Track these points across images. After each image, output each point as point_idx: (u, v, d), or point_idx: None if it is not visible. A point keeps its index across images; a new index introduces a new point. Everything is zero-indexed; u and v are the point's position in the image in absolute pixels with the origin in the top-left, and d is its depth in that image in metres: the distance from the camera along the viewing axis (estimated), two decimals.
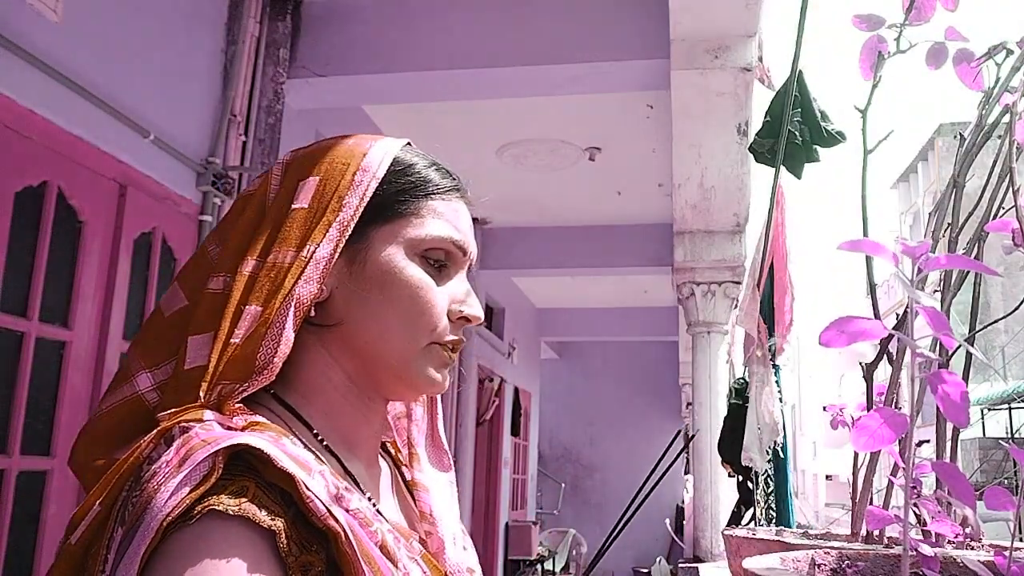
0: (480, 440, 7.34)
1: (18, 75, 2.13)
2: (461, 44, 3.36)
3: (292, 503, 0.58)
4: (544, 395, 11.02)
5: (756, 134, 2.87)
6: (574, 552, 10.18)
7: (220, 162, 2.98)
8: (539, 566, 8.58)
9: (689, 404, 6.74)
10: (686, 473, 9.53)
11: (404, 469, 0.83)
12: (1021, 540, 0.54)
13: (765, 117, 2.82)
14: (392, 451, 0.84)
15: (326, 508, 0.58)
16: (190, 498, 0.55)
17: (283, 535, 0.56)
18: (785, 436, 3.14)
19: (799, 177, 2.78)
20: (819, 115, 2.71)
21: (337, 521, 0.58)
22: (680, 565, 4.53)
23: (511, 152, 4.89)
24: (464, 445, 6.24)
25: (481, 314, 0.76)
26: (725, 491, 4.66)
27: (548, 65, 3.30)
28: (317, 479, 0.60)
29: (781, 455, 3.20)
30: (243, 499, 0.56)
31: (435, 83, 3.46)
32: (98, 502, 0.60)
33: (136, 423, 0.67)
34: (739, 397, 3.39)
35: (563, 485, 11.84)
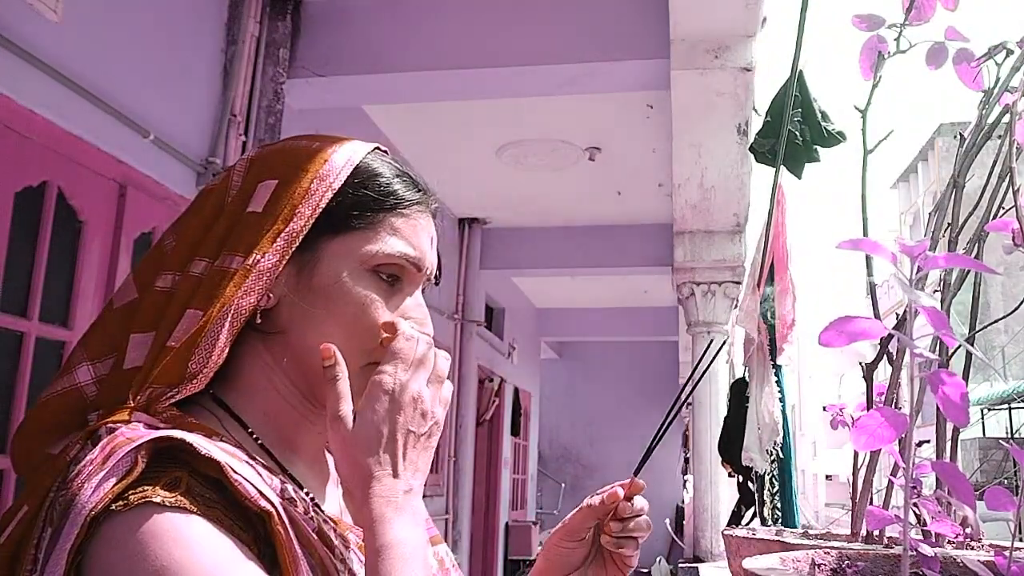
0: (480, 440, 7.34)
1: (18, 75, 2.13)
2: (461, 44, 3.36)
3: (225, 491, 0.58)
4: (544, 395, 11.01)
5: (756, 134, 2.88)
6: None
7: (220, 162, 2.97)
8: None
9: (689, 404, 6.73)
10: (685, 474, 9.53)
11: None
12: (1021, 540, 0.54)
13: (765, 117, 2.82)
14: None
15: (257, 490, 0.58)
16: (114, 490, 0.55)
17: (218, 524, 0.57)
18: (789, 436, 3.14)
19: (800, 177, 2.78)
20: (820, 115, 2.71)
21: (269, 501, 0.58)
22: (680, 565, 4.53)
23: (511, 152, 4.89)
24: (464, 445, 6.23)
25: (431, 332, 0.73)
26: (725, 491, 4.66)
27: (548, 65, 3.30)
28: (246, 468, 0.60)
29: (782, 455, 3.20)
30: (177, 491, 0.56)
31: (435, 83, 3.46)
32: (25, 503, 0.60)
33: (73, 417, 0.67)
34: (739, 397, 3.39)
35: (563, 485, 11.84)
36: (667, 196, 5.07)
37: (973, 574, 0.59)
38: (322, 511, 0.68)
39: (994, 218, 0.92)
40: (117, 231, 2.53)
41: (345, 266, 0.69)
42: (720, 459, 3.99)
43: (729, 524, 3.87)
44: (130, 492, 0.55)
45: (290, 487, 0.63)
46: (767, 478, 3.27)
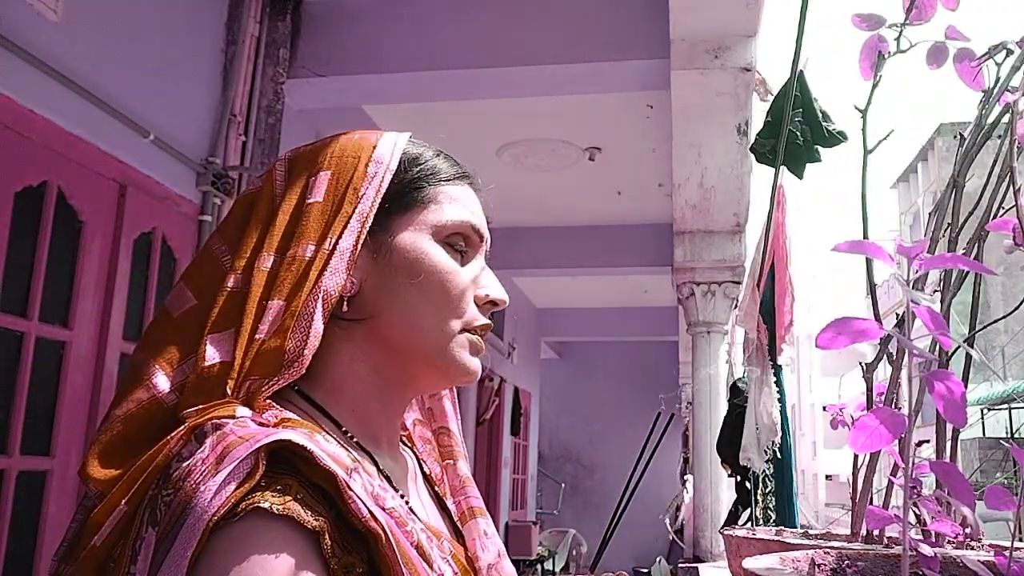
0: (480, 440, 7.34)
1: (18, 75, 2.13)
2: (461, 44, 3.36)
3: (332, 503, 0.57)
4: (544, 395, 11.02)
5: (757, 134, 2.88)
6: (574, 552, 10.18)
7: (220, 162, 2.97)
8: (539, 566, 8.58)
9: (689, 404, 6.73)
10: (684, 475, 9.52)
11: (424, 463, 0.82)
12: (1021, 540, 0.54)
13: (766, 117, 2.82)
14: (409, 444, 0.83)
15: (368, 510, 0.56)
16: (235, 495, 0.53)
17: (327, 536, 0.55)
18: (788, 436, 3.14)
19: (801, 177, 2.78)
20: (820, 115, 2.71)
21: (379, 523, 0.56)
22: (680, 565, 4.53)
23: (511, 152, 4.89)
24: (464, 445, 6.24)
25: (506, 297, 0.75)
26: (725, 491, 4.66)
27: (548, 65, 3.30)
28: (356, 478, 0.58)
29: (780, 455, 3.20)
30: (288, 498, 0.54)
31: (435, 83, 3.46)
32: (123, 501, 0.58)
33: (154, 428, 0.64)
34: (738, 397, 3.39)
35: (563, 485, 11.84)
36: (667, 196, 5.07)
37: (973, 574, 0.59)
38: (418, 517, 0.66)
39: (994, 218, 0.92)
40: (117, 231, 2.53)
41: (420, 237, 0.70)
42: (720, 460, 3.99)
43: (726, 524, 3.87)
44: (242, 502, 0.53)
45: (389, 494, 0.62)
46: (761, 478, 3.27)
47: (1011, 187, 0.84)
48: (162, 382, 0.66)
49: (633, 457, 11.66)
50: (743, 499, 3.57)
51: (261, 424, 0.59)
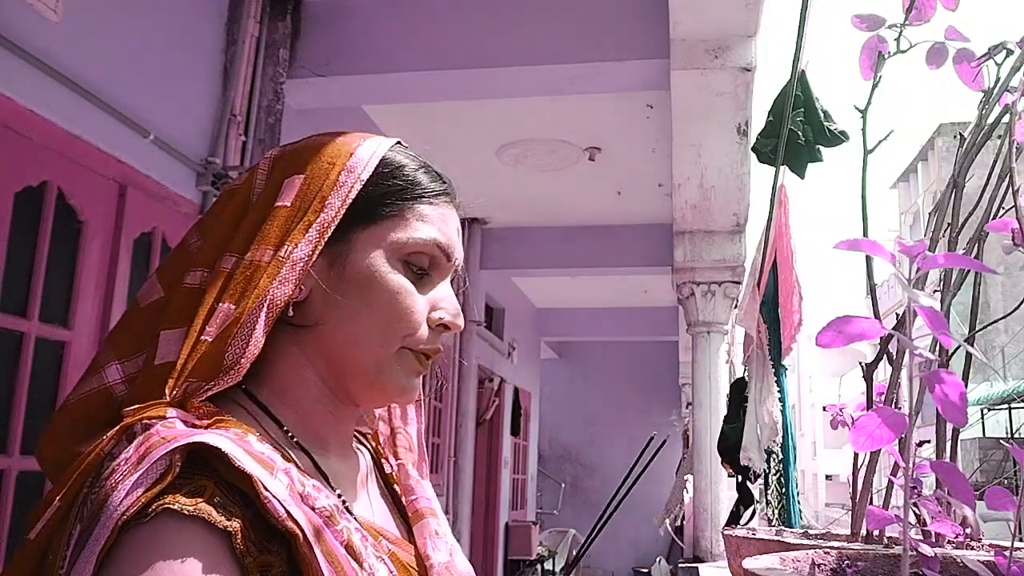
0: (480, 440, 7.34)
1: (18, 75, 2.13)
2: (461, 44, 3.36)
3: (252, 502, 0.57)
4: (544, 395, 11.01)
5: (759, 134, 2.88)
6: (574, 552, 10.18)
7: (220, 162, 2.97)
8: (539, 566, 8.58)
9: (689, 404, 6.73)
10: (681, 474, 9.52)
11: (383, 462, 0.82)
12: (1021, 540, 0.54)
13: (768, 117, 2.82)
14: (372, 443, 0.83)
15: (285, 510, 0.57)
16: (145, 497, 0.54)
17: (239, 535, 0.55)
18: (790, 437, 3.14)
19: (802, 177, 2.78)
20: (822, 114, 2.71)
21: (296, 523, 0.57)
22: (680, 565, 4.53)
23: (511, 152, 4.89)
24: (464, 445, 6.23)
25: (462, 323, 0.74)
26: (725, 491, 4.66)
27: (548, 65, 3.30)
28: (280, 478, 0.59)
29: (780, 455, 3.19)
30: (199, 499, 0.55)
31: (435, 83, 3.46)
32: (58, 498, 0.59)
33: (104, 416, 0.66)
34: (739, 397, 3.39)
35: (563, 485, 11.84)
36: (667, 196, 5.07)
37: (973, 574, 0.59)
38: (353, 516, 0.67)
39: (994, 218, 0.92)
40: (117, 231, 2.53)
41: (377, 255, 0.70)
42: (720, 459, 3.99)
43: (728, 524, 3.87)
44: (153, 503, 0.54)
45: (323, 493, 0.62)
46: (774, 478, 3.26)
47: (1011, 187, 0.84)
48: (113, 372, 0.68)
49: (634, 457, 11.66)
50: (745, 499, 3.56)
51: (193, 425, 0.61)
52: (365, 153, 0.72)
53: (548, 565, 8.98)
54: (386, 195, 0.71)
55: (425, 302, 0.72)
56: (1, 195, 2.12)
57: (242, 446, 0.59)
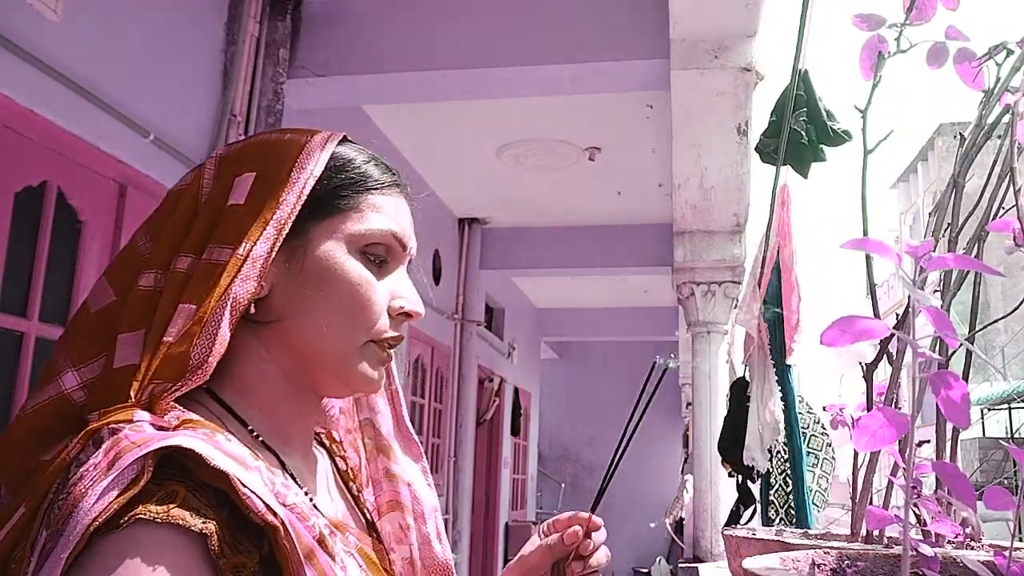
0: (480, 440, 7.34)
1: (18, 75, 2.13)
2: (461, 44, 3.36)
3: (226, 503, 0.57)
4: (544, 395, 11.01)
5: (762, 134, 2.87)
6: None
7: None
8: None
9: (689, 404, 6.73)
10: (684, 474, 9.53)
11: (339, 460, 0.83)
12: (1021, 540, 0.54)
13: (771, 116, 2.81)
14: (327, 442, 0.84)
15: (264, 504, 0.57)
16: (117, 503, 0.53)
17: (214, 538, 0.55)
18: (798, 438, 3.12)
19: (805, 176, 2.78)
20: (825, 114, 2.70)
21: (276, 515, 0.57)
22: (680, 565, 4.53)
23: (511, 152, 4.89)
24: (464, 445, 6.23)
25: (421, 309, 0.75)
26: (725, 491, 4.66)
27: (548, 65, 3.30)
28: (254, 475, 0.59)
29: (785, 454, 3.19)
30: (171, 505, 0.55)
31: (435, 83, 3.46)
32: (23, 504, 0.58)
33: (63, 424, 0.65)
34: (739, 397, 3.38)
35: (563, 485, 11.84)
36: (667, 196, 5.07)
37: (973, 574, 0.59)
38: (321, 513, 0.67)
39: (994, 218, 0.92)
40: (117, 231, 2.53)
41: (336, 247, 0.70)
42: (720, 459, 3.99)
43: (728, 524, 3.87)
44: (126, 512, 0.54)
45: (292, 491, 0.63)
46: (780, 478, 3.25)
47: (1011, 187, 0.84)
48: (69, 379, 0.67)
49: (634, 457, 11.66)
50: (745, 499, 3.56)
51: (161, 427, 0.60)
52: (314, 148, 0.72)
53: None
54: (339, 188, 0.72)
55: (385, 291, 0.72)
56: (1, 195, 2.12)
57: (214, 445, 0.58)
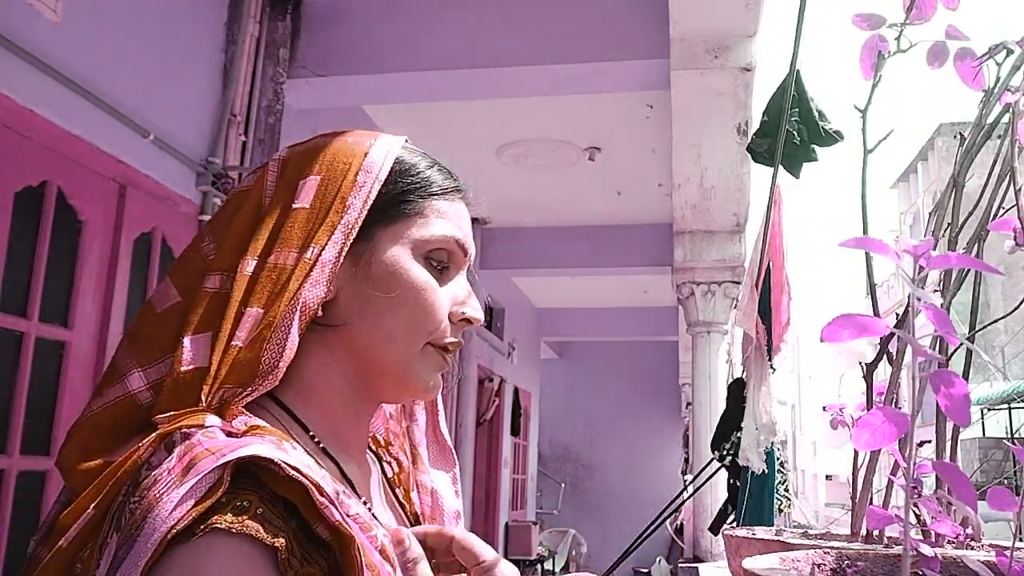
0: (480, 440, 7.34)
1: (18, 75, 2.13)
2: (461, 44, 3.36)
3: (294, 514, 0.57)
4: (544, 395, 11.01)
5: (754, 134, 2.87)
6: (574, 552, 10.18)
7: (220, 162, 2.97)
8: (539, 566, 8.58)
9: (689, 404, 6.74)
10: (684, 474, 9.53)
11: (386, 465, 0.82)
12: (1022, 540, 0.54)
13: (763, 116, 2.81)
14: (374, 447, 0.83)
15: (341, 515, 0.56)
16: (195, 511, 0.53)
17: (285, 551, 0.55)
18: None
19: (797, 177, 2.78)
20: (817, 114, 2.70)
21: (349, 526, 0.56)
22: (680, 565, 4.54)
23: (511, 152, 4.89)
24: (464, 445, 6.23)
25: (482, 315, 0.75)
26: (725, 491, 4.66)
27: (548, 65, 3.30)
28: (325, 485, 0.58)
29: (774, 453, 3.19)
30: (245, 516, 0.54)
31: (435, 83, 3.46)
32: (92, 506, 0.58)
33: (129, 424, 0.65)
34: (736, 396, 3.38)
35: (563, 485, 11.84)
36: (667, 196, 5.07)
37: (973, 574, 0.59)
38: (381, 523, 0.66)
39: (994, 218, 0.92)
40: (117, 231, 2.53)
41: (401, 252, 0.70)
42: (713, 454, 3.99)
43: (715, 524, 3.87)
44: (201, 521, 0.53)
45: (353, 500, 0.62)
46: (780, 477, 3.25)
47: (1011, 187, 0.84)
48: (136, 380, 0.66)
49: (634, 457, 11.66)
50: (733, 498, 3.56)
51: (230, 433, 0.60)
52: (379, 153, 0.72)
53: (548, 565, 8.98)
54: (404, 193, 0.71)
55: (447, 297, 0.72)
56: (1, 195, 2.12)
57: (283, 453, 0.58)
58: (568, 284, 8.34)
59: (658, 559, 9.48)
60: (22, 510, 2.18)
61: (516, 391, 8.64)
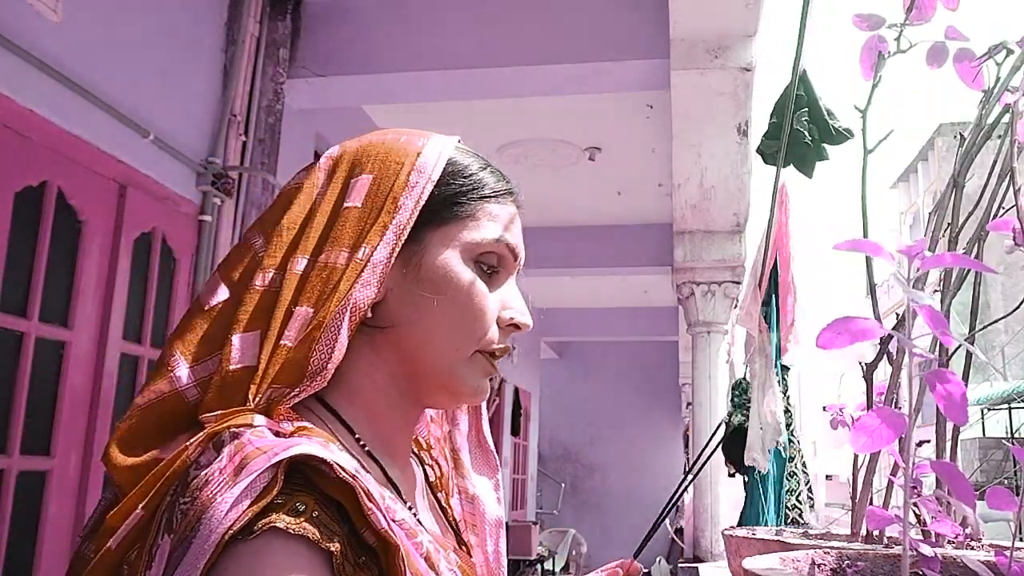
0: None
1: (18, 75, 2.13)
2: (461, 44, 3.36)
3: (346, 518, 0.56)
4: (544, 395, 11.02)
5: (763, 136, 2.87)
6: (574, 552, 10.18)
7: (220, 162, 2.98)
8: (539, 566, 8.58)
9: (689, 404, 6.74)
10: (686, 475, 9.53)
11: (428, 469, 0.81)
12: (1022, 540, 0.54)
13: (771, 118, 2.81)
14: (416, 450, 0.82)
15: (387, 521, 0.56)
16: (251, 511, 0.52)
17: (339, 556, 0.54)
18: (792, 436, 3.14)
19: (810, 176, 2.78)
20: (826, 113, 2.71)
21: (395, 533, 0.56)
22: (680, 565, 4.54)
23: (511, 152, 4.89)
24: None
25: (530, 321, 0.73)
26: (725, 491, 4.66)
27: (548, 65, 3.30)
28: (372, 489, 0.57)
29: (783, 453, 3.20)
30: (302, 518, 0.54)
31: (435, 83, 3.46)
32: (140, 506, 0.57)
33: (175, 421, 0.64)
34: (742, 398, 3.39)
35: (563, 485, 11.84)
36: (667, 196, 5.07)
37: (973, 574, 0.59)
38: (425, 529, 0.65)
39: (994, 218, 0.92)
40: (117, 231, 2.53)
41: (452, 255, 0.69)
42: (725, 460, 3.99)
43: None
44: (259, 520, 0.53)
45: (399, 505, 0.61)
46: (794, 478, 3.25)
47: (1011, 187, 0.84)
48: (184, 375, 0.65)
49: (635, 457, 11.66)
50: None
51: (278, 433, 0.59)
52: (432, 153, 0.71)
53: (548, 565, 8.98)
54: (456, 195, 0.70)
55: (497, 301, 0.71)
56: (1, 195, 2.12)
57: (333, 455, 0.57)
58: (568, 284, 8.34)
59: (658, 559, 9.48)
60: (22, 510, 2.18)
61: (516, 391, 8.64)
